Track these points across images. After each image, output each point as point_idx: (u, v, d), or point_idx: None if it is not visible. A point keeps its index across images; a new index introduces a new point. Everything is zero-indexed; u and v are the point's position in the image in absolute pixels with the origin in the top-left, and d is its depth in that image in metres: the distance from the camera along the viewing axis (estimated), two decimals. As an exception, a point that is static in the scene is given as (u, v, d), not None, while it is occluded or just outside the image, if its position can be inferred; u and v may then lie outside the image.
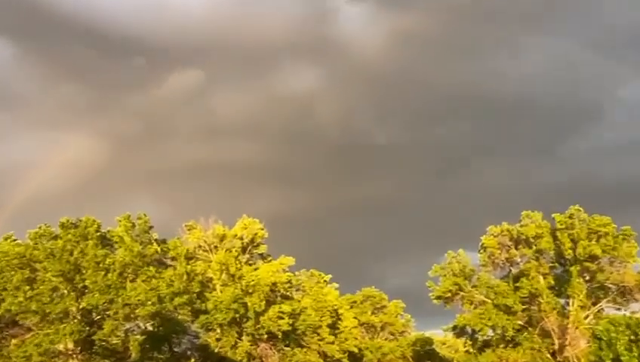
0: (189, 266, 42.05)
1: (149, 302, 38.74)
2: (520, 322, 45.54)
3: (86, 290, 38.90)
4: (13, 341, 36.67)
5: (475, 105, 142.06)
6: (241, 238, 46.67)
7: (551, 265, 46.13)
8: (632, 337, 27.08)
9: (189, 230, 46.26)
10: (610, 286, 45.64)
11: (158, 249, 42.69)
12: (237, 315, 41.93)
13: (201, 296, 42.47)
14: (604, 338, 28.23)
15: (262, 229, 46.90)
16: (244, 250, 46.74)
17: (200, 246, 46.18)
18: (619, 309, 44.85)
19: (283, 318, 42.82)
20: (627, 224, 45.27)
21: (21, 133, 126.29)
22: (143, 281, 39.56)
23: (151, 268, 40.75)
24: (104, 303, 38.37)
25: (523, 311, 45.39)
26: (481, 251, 48.35)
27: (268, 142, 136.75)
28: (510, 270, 47.81)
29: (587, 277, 45.31)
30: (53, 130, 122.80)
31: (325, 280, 54.73)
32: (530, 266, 45.59)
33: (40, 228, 39.81)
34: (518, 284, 45.26)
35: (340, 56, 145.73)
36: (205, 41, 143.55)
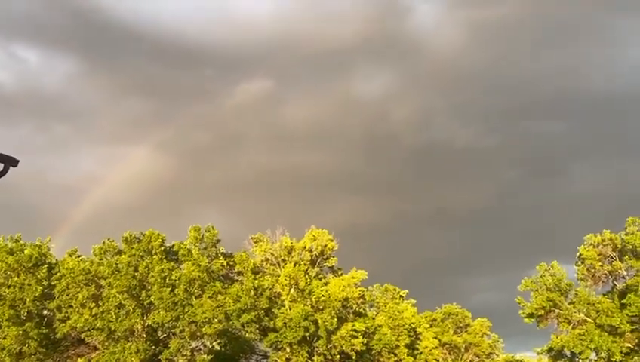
0: (256, 281, 40.30)
1: (216, 320, 37.52)
2: (629, 345, 41.04)
3: (152, 307, 38.00)
4: (80, 360, 35.98)
5: (570, 101, 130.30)
6: (310, 250, 44.43)
7: (665, 279, 41.04)
8: None
9: (255, 243, 44.44)
10: None
11: (225, 263, 41.08)
12: (307, 333, 39.66)
13: (269, 312, 40.57)
14: None
15: (331, 241, 44.57)
16: (313, 263, 44.41)
17: (267, 260, 44.25)
18: None
19: (357, 337, 40.48)
20: None
21: (88, 147, 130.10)
22: (209, 297, 38.25)
23: (217, 283, 39.55)
24: (170, 321, 37.49)
25: (632, 331, 40.89)
26: (579, 263, 44.06)
27: (340, 149, 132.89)
28: (614, 284, 43.52)
29: None
30: (120, 144, 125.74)
31: (401, 296, 52.01)
32: (638, 280, 41.09)
33: (104, 243, 39.27)
34: (624, 301, 40.87)
35: (416, 55, 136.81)
36: (274, 48, 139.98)
